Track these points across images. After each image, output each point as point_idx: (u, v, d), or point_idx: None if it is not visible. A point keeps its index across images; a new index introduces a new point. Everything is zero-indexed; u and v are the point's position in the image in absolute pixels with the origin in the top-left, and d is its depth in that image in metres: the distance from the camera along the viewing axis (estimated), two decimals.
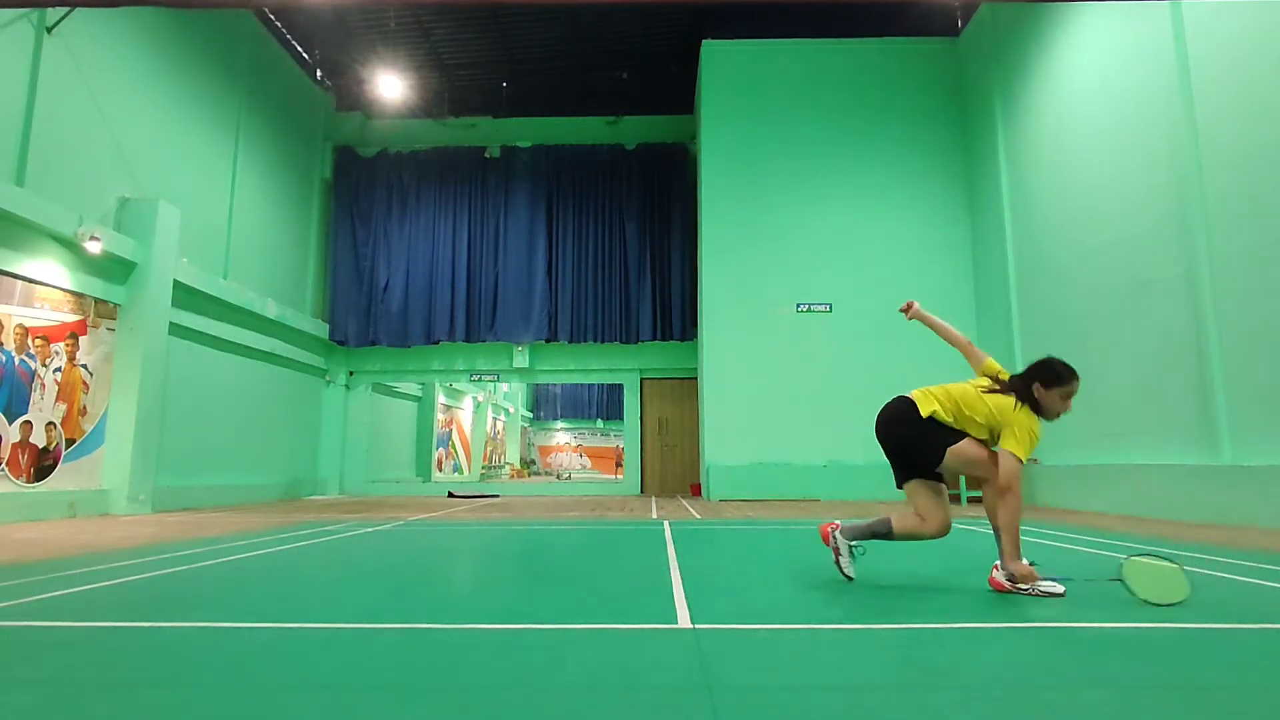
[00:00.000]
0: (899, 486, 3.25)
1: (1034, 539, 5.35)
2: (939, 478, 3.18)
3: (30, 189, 7.85)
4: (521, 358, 14.87)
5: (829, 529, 3.38)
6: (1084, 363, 9.71)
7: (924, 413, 3.09)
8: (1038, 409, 2.99)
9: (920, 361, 11.75)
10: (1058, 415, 3.03)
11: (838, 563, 3.31)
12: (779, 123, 12.74)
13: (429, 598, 3.10)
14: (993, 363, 3.27)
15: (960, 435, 3.04)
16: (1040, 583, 2.88)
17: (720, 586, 3.30)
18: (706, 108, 12.94)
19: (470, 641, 2.26)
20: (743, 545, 5.08)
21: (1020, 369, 3.14)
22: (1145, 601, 2.73)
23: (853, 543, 3.31)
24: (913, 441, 3.12)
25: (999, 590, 2.95)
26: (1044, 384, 2.98)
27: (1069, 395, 3.00)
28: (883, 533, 3.24)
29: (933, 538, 3.18)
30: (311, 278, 14.58)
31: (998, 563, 2.98)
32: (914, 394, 3.20)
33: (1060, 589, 2.86)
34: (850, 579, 3.27)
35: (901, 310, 3.76)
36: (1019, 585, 2.88)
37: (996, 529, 2.99)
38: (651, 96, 15.46)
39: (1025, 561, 2.95)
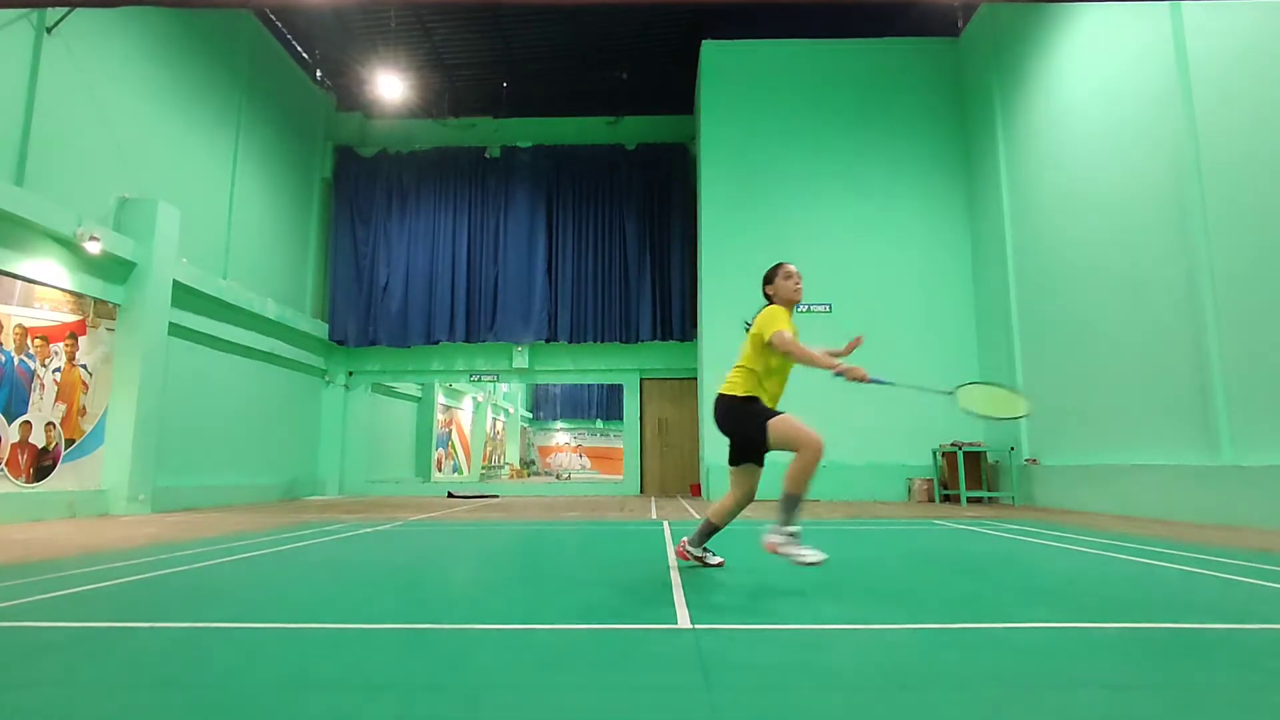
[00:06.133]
0: (730, 464, 3.66)
1: (1034, 538, 5.35)
2: (761, 461, 3.59)
3: (30, 189, 7.85)
4: (521, 358, 14.88)
5: (681, 549, 3.91)
6: (1084, 363, 9.71)
7: (740, 395, 3.49)
8: (782, 303, 3.62)
9: (920, 361, 11.79)
10: (795, 292, 3.65)
11: (706, 564, 3.84)
12: (779, 123, 12.74)
13: (429, 598, 3.10)
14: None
15: (775, 412, 3.38)
16: (794, 550, 3.17)
17: (720, 586, 3.31)
18: (706, 108, 12.94)
19: (470, 641, 2.26)
20: (742, 545, 5.07)
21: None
22: (985, 416, 3.50)
23: (702, 548, 3.86)
24: (743, 428, 3.47)
25: (770, 550, 3.25)
26: (768, 283, 3.70)
27: (789, 274, 3.64)
28: (708, 530, 3.78)
29: (738, 509, 3.67)
30: (311, 277, 14.57)
31: (773, 526, 3.28)
32: (723, 387, 3.59)
33: (817, 557, 3.12)
34: (721, 562, 3.85)
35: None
36: (780, 549, 3.21)
37: (785, 493, 3.27)
38: (651, 96, 15.46)
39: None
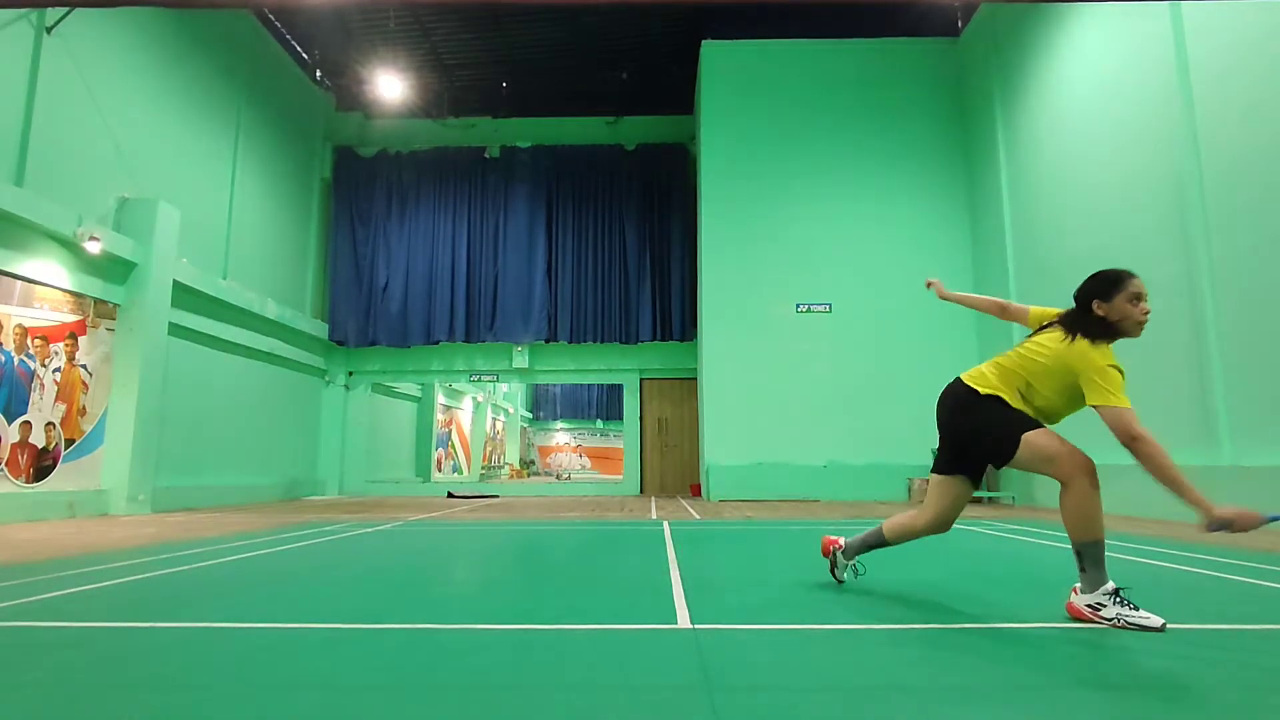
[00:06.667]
0: (934, 472, 2.88)
1: (1034, 538, 5.35)
2: (977, 481, 2.81)
3: (30, 189, 7.85)
4: (521, 358, 14.88)
5: (831, 545, 3.30)
6: None
7: (983, 391, 2.64)
8: (1110, 333, 2.49)
9: (921, 361, 11.79)
10: (1139, 324, 2.49)
11: (832, 571, 3.29)
12: (779, 123, 12.74)
13: (429, 598, 3.10)
14: (1040, 309, 2.77)
15: (1035, 423, 2.55)
16: (1129, 613, 2.37)
17: (720, 586, 3.30)
18: (706, 108, 12.95)
19: (470, 642, 2.26)
20: (742, 545, 5.08)
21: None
22: None
23: (853, 562, 3.26)
24: (985, 431, 2.62)
25: (1078, 618, 2.48)
26: (1103, 297, 2.49)
27: (1138, 295, 2.47)
28: (875, 544, 3.13)
29: (923, 533, 2.93)
30: (311, 278, 14.58)
31: (1077, 585, 2.52)
32: (967, 376, 2.74)
33: (1158, 621, 2.33)
34: (841, 582, 3.26)
35: (928, 285, 3.62)
36: (1102, 614, 2.40)
37: (1075, 545, 2.47)
38: (651, 96, 15.46)
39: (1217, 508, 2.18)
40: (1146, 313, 2.49)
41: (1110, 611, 2.39)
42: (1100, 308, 2.51)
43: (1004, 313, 3.02)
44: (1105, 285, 2.52)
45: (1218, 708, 1.62)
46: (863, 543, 3.17)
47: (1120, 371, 2.45)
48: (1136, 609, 2.38)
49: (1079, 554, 2.45)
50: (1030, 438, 2.50)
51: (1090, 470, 2.43)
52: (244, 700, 1.70)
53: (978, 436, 2.66)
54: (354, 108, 15.51)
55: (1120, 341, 2.57)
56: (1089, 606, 2.44)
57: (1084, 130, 9.08)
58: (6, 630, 2.43)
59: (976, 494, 10.52)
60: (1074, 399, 2.56)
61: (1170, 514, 7.18)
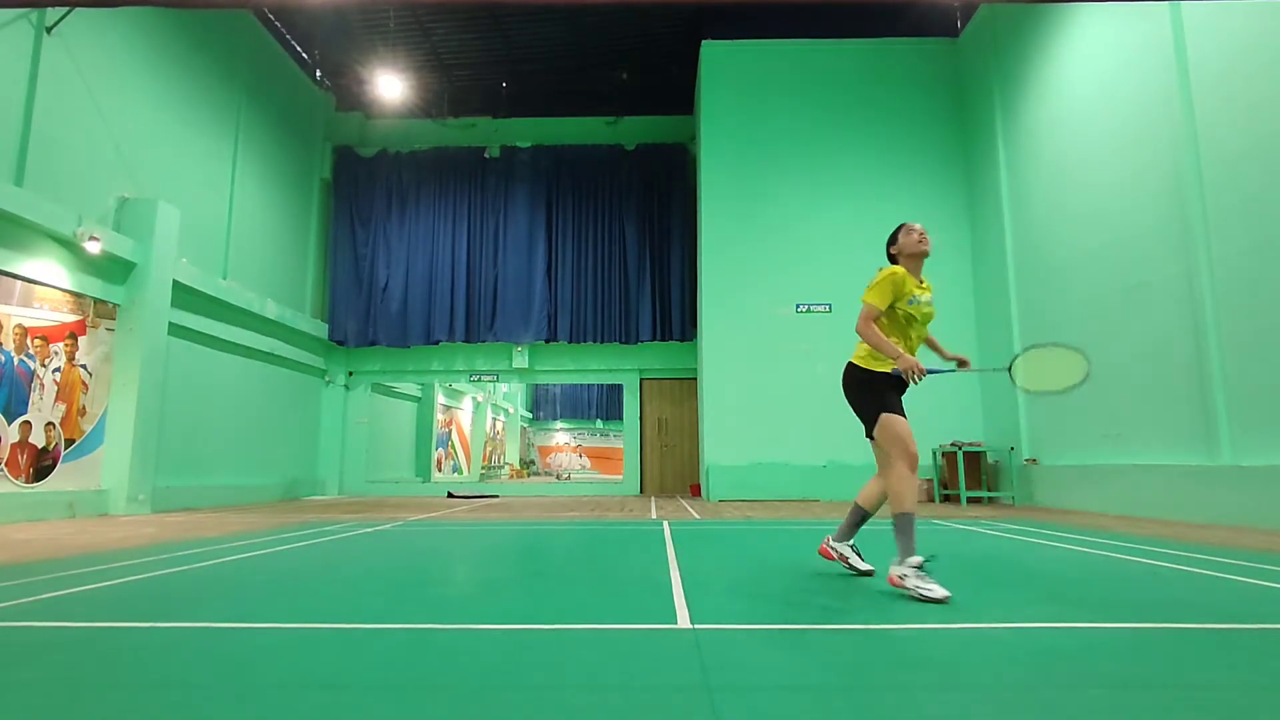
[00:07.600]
0: (868, 437, 3.31)
1: (1034, 538, 5.35)
2: None
3: (30, 189, 7.85)
4: (521, 358, 14.88)
5: (824, 547, 3.64)
6: None
7: (857, 364, 3.29)
8: (907, 260, 3.36)
9: (920, 360, 11.75)
10: (919, 249, 3.34)
11: (850, 565, 3.53)
12: (779, 123, 12.74)
13: (429, 598, 3.10)
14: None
15: (896, 409, 3.13)
16: (921, 584, 2.84)
17: (720, 586, 3.30)
18: (706, 108, 12.94)
19: (470, 642, 2.26)
20: (742, 545, 5.08)
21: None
22: (1027, 390, 3.45)
23: (849, 543, 3.56)
24: (859, 405, 3.28)
25: (894, 585, 2.98)
26: (892, 243, 3.45)
27: (913, 230, 3.38)
28: (859, 519, 3.48)
29: (884, 490, 3.36)
30: (311, 278, 14.57)
31: (895, 559, 2.99)
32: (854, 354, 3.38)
33: (942, 593, 2.78)
34: (870, 571, 3.48)
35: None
36: (905, 583, 2.90)
37: (893, 515, 2.99)
38: (651, 96, 15.46)
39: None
40: (923, 233, 3.38)
41: (910, 582, 2.88)
42: (893, 248, 3.43)
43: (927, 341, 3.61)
44: (893, 235, 3.46)
45: (1218, 708, 1.62)
46: (851, 524, 3.53)
47: (893, 277, 3.20)
48: (930, 583, 2.83)
49: (894, 522, 2.97)
50: (887, 418, 3.12)
51: (915, 460, 3.05)
52: (244, 700, 1.70)
53: (856, 408, 3.31)
54: (354, 108, 15.50)
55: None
56: (898, 577, 2.94)
57: (1084, 130, 9.08)
58: (6, 630, 2.43)
59: (976, 494, 10.57)
60: (893, 318, 3.26)
61: (1170, 514, 7.18)
